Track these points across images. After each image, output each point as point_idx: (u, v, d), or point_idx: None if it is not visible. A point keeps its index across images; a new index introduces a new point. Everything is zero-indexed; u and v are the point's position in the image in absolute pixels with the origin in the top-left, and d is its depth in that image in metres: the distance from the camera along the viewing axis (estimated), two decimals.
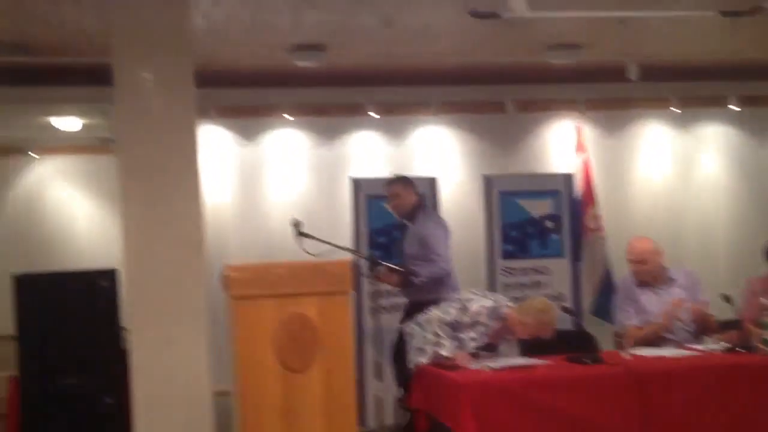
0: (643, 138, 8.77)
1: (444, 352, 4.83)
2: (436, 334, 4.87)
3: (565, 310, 5.79)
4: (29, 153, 9.42)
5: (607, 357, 4.95)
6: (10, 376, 5.83)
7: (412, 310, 5.41)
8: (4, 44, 6.57)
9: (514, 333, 5.04)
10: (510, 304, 5.12)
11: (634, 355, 4.95)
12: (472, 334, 4.97)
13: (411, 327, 5.08)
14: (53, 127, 8.66)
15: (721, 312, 5.58)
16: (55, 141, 9.31)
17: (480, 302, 5.01)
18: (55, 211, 9.45)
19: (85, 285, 5.99)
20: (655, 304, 5.52)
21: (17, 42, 6.56)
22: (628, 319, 5.55)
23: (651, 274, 5.58)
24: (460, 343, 4.92)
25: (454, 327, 4.94)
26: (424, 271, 5.60)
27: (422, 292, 5.61)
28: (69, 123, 8.57)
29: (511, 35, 6.75)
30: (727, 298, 5.33)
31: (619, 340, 5.24)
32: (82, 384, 5.83)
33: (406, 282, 5.65)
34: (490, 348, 5.08)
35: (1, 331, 6.34)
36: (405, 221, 5.94)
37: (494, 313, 5.01)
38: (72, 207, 9.49)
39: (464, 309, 4.98)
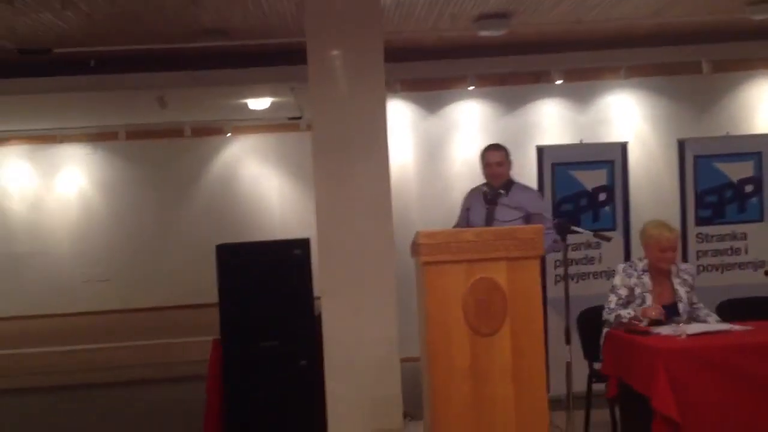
0: None
1: (630, 315, 4.86)
2: (618, 315, 4.93)
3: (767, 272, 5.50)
4: (225, 132, 9.99)
5: None
6: (213, 339, 6.17)
7: None
8: (206, 30, 6.96)
9: (658, 262, 4.99)
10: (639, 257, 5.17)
11: None
12: (638, 301, 4.97)
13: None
14: (246, 107, 9.10)
15: None
16: (248, 120, 9.81)
17: (616, 276, 5.13)
18: (250, 186, 9.99)
19: (280, 254, 6.20)
20: None
21: (218, 27, 6.94)
22: None
23: None
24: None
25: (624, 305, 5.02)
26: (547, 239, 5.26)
27: None
28: (260, 103, 8.97)
29: None
30: None
31: None
32: (278, 347, 6.08)
33: None
34: (674, 311, 4.92)
35: (207, 300, 6.75)
36: (501, 191, 5.62)
37: (631, 267, 5.09)
38: (264, 181, 10.00)
39: (613, 289, 5.07)
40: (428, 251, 4.17)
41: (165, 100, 7.94)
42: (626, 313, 4.88)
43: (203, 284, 6.96)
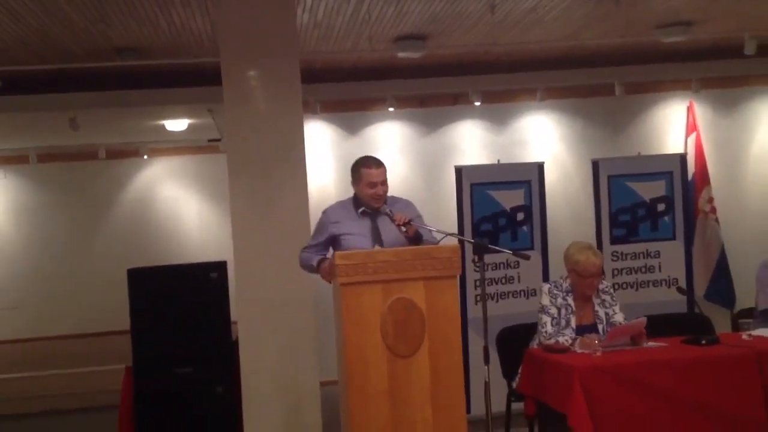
0: (759, 116, 8.46)
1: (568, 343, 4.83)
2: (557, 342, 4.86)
3: (680, 290, 5.62)
4: (141, 155, 9.77)
5: (725, 339, 4.77)
6: (125, 367, 6.01)
7: None
8: (118, 49, 6.81)
9: (582, 288, 4.97)
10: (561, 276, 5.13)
11: (754, 336, 4.73)
12: (563, 322, 4.95)
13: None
14: (163, 129, 8.93)
15: None
16: (165, 142, 9.62)
17: (543, 296, 5.06)
18: (168, 209, 9.78)
19: (195, 278, 6.11)
20: None
21: (130, 46, 6.79)
22: None
23: None
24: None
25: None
26: None
27: None
28: (177, 124, 8.81)
29: (620, 15, 6.57)
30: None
31: (744, 321, 4.98)
32: (193, 374, 5.95)
33: None
34: (593, 329, 4.96)
35: (121, 327, 6.57)
36: (378, 210, 4.80)
37: (557, 288, 5.03)
38: (183, 205, 9.81)
39: (544, 310, 5.00)
40: (345, 272, 4.11)
41: (77, 121, 7.72)
42: (564, 341, 4.83)
43: (116, 311, 6.76)
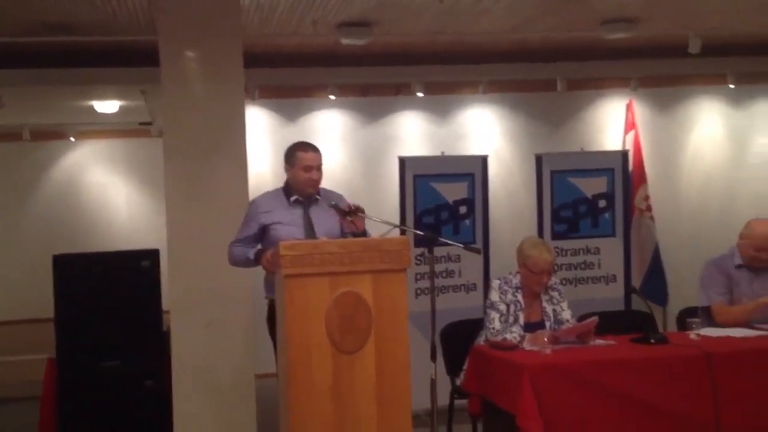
0: (695, 116, 8.56)
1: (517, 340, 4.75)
2: (504, 339, 4.77)
3: (633, 290, 5.67)
4: (68, 137, 9.42)
5: (673, 338, 4.75)
6: (48, 358, 5.76)
7: None
8: (47, 24, 6.47)
9: (532, 284, 4.91)
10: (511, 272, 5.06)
11: (701, 336, 4.73)
12: (511, 319, 4.89)
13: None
14: (92, 110, 8.60)
15: None
16: (94, 125, 9.30)
17: (492, 292, 4.99)
18: (95, 195, 9.46)
19: (125, 266, 5.90)
20: (755, 287, 5.13)
21: (60, 21, 6.45)
22: (719, 295, 5.16)
23: None
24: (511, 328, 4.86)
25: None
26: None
27: None
28: (108, 106, 8.50)
29: (565, 10, 6.53)
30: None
31: (692, 320, 4.95)
32: (121, 366, 5.74)
33: None
34: (541, 326, 4.90)
35: (44, 315, 6.29)
36: (310, 199, 4.73)
37: (507, 284, 4.97)
38: (112, 190, 9.50)
39: (493, 306, 4.93)
40: (290, 263, 3.93)
41: (2, 100, 7.36)
42: (512, 338, 4.75)
43: (39, 298, 6.48)
